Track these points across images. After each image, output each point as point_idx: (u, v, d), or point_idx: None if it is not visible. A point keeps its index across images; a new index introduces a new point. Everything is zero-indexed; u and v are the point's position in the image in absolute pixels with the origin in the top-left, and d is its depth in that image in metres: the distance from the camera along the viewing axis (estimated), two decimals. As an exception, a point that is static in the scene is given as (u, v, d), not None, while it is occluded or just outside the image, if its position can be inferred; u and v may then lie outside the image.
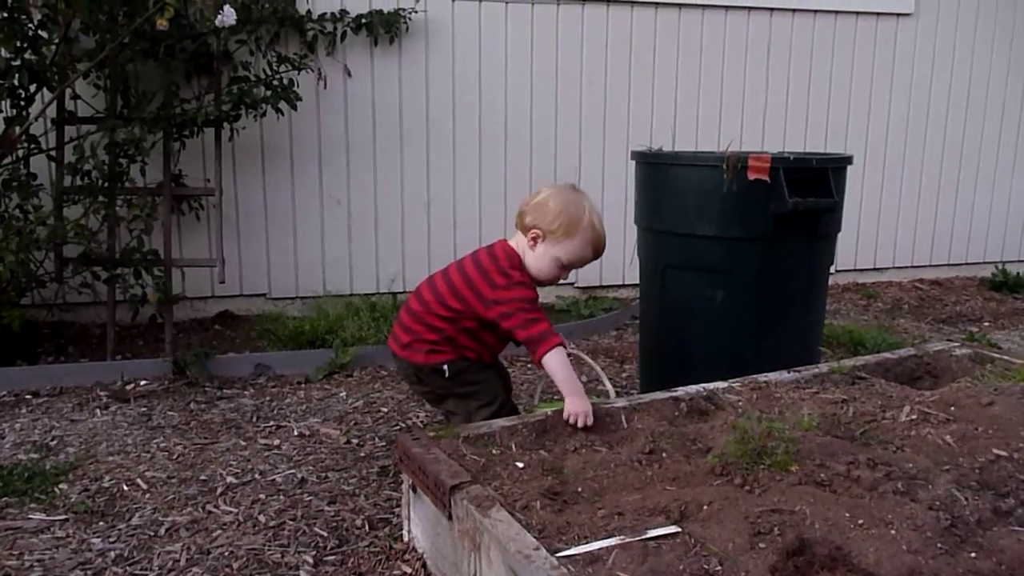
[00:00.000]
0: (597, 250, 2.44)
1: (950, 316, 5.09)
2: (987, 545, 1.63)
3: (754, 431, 1.98)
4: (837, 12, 5.45)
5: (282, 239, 4.60)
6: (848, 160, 3.02)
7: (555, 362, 2.28)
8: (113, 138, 3.70)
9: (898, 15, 5.60)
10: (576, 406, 2.21)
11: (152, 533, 2.32)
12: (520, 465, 2.01)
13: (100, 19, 3.55)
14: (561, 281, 2.58)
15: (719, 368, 2.67)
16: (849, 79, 5.58)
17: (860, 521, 1.66)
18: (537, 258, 2.41)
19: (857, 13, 5.50)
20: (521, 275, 2.39)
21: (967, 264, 6.17)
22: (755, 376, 2.63)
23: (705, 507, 1.74)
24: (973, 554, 1.60)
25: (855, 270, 5.84)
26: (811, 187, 2.82)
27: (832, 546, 1.58)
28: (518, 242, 2.46)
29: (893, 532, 1.62)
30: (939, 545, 1.60)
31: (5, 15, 3.40)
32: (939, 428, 2.18)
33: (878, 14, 5.55)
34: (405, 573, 2.12)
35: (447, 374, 2.44)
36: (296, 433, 3.07)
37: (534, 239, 2.40)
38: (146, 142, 3.77)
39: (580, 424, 2.20)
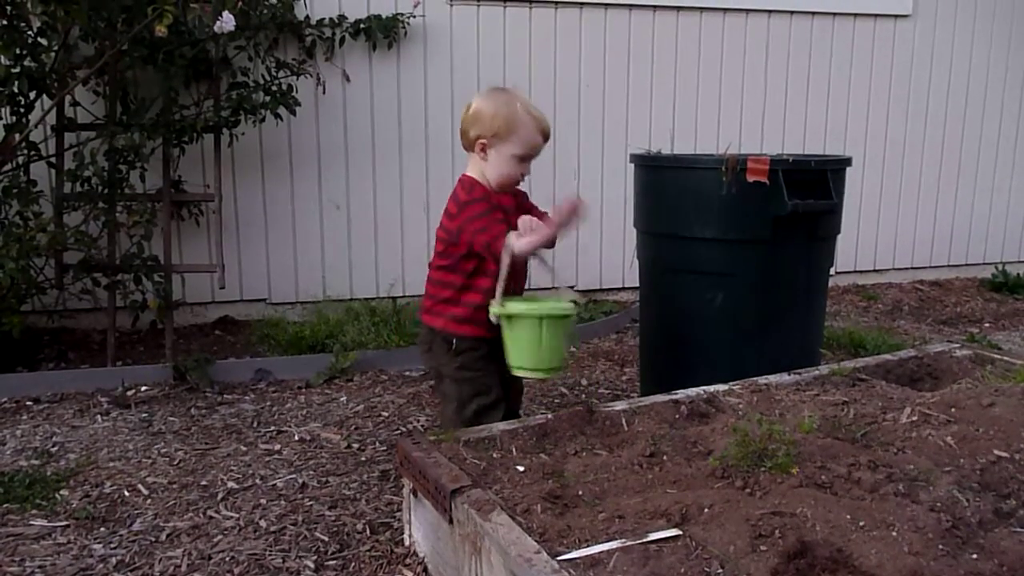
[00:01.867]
0: (544, 132, 2.41)
1: (950, 317, 5.09)
2: (988, 546, 1.62)
3: (755, 434, 1.98)
4: (835, 14, 5.46)
5: (282, 244, 4.60)
6: (847, 162, 3.02)
7: (518, 245, 2.23)
8: (113, 144, 3.71)
9: (896, 16, 5.61)
10: (551, 226, 2.25)
11: (153, 539, 2.32)
12: (520, 469, 2.01)
13: (99, 26, 3.56)
14: (524, 173, 2.46)
15: (719, 371, 2.67)
16: (847, 81, 5.59)
17: (861, 523, 1.66)
18: (494, 164, 2.41)
19: (855, 15, 5.51)
20: (469, 194, 2.39)
21: (967, 265, 6.17)
22: (755, 378, 2.63)
23: (706, 510, 1.74)
24: (975, 555, 1.59)
25: (855, 272, 5.84)
26: (810, 189, 2.82)
27: (833, 548, 1.58)
28: (472, 163, 2.46)
29: (894, 534, 1.62)
30: (940, 547, 1.59)
31: (5, 22, 3.40)
32: (940, 429, 2.18)
33: (876, 16, 5.56)
34: (406, 578, 2.13)
35: (454, 347, 2.42)
36: (297, 438, 3.07)
37: (483, 149, 2.40)
38: (146, 148, 3.78)
39: (578, 214, 2.27)
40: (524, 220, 2.30)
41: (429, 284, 2.49)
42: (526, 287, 2.54)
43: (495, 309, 2.27)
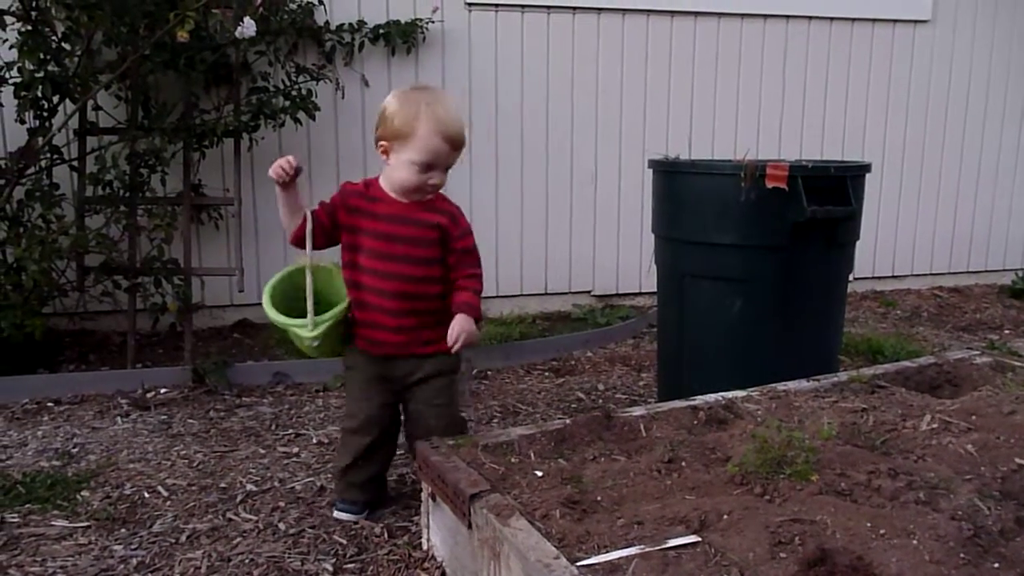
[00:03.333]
0: (449, 137, 2.19)
1: (970, 324, 5.06)
2: (1010, 555, 1.62)
3: (774, 440, 1.98)
4: (854, 19, 5.45)
5: (300, 248, 4.61)
6: (866, 168, 3.01)
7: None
8: (134, 148, 3.74)
9: (915, 22, 5.59)
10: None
11: (173, 540, 2.34)
12: (539, 474, 2.01)
13: (122, 31, 3.59)
14: (432, 183, 2.30)
15: (737, 377, 2.67)
16: (866, 86, 5.57)
17: (881, 531, 1.66)
18: (394, 168, 2.25)
19: (874, 20, 5.49)
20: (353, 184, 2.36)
21: (986, 271, 6.13)
22: (774, 385, 2.63)
23: (725, 516, 1.74)
24: (996, 564, 1.59)
25: (873, 278, 5.81)
26: (829, 195, 2.81)
27: (853, 556, 1.57)
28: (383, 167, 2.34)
29: (915, 542, 1.62)
30: (962, 555, 1.59)
31: (29, 28, 3.45)
32: (960, 437, 2.16)
33: (895, 21, 5.54)
34: (424, 581, 2.13)
35: (343, 357, 2.43)
36: (315, 441, 3.08)
37: (384, 152, 2.25)
38: (166, 152, 3.81)
39: (280, 169, 2.23)
40: (458, 321, 2.25)
41: None
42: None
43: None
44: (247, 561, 2.22)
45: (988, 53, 5.81)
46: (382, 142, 2.25)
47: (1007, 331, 4.90)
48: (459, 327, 2.24)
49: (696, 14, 5.12)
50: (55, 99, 3.64)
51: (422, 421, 2.40)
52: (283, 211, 2.33)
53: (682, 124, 5.20)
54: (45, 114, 3.65)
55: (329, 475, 2.77)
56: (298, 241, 2.32)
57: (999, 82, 5.88)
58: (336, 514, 2.44)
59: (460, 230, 2.34)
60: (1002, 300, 5.67)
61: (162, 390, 3.58)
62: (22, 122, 3.65)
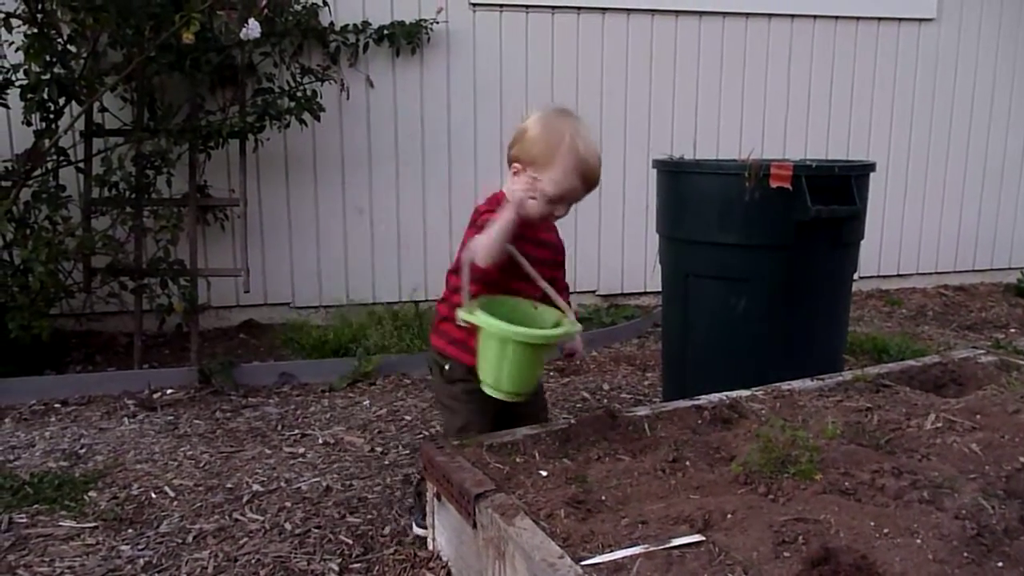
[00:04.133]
0: (586, 179, 2.11)
1: (975, 323, 5.05)
2: (1014, 554, 1.62)
3: (778, 440, 1.98)
4: (859, 18, 5.44)
5: (306, 248, 4.64)
6: (871, 167, 3.01)
7: (475, 243, 2.05)
8: (140, 150, 3.76)
9: (920, 20, 5.58)
10: (510, 211, 2.03)
11: (180, 540, 2.35)
12: (544, 474, 2.02)
13: (127, 33, 3.61)
14: (558, 214, 2.19)
15: (742, 376, 2.67)
16: (871, 85, 5.56)
17: (885, 530, 1.66)
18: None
19: (879, 19, 5.48)
20: (487, 204, 2.18)
21: (992, 270, 6.12)
22: (778, 384, 2.63)
23: (729, 516, 1.74)
24: (1000, 563, 1.59)
25: (878, 276, 5.81)
26: (834, 194, 2.81)
27: (857, 555, 1.58)
28: (509, 180, 2.20)
29: (919, 541, 1.62)
30: (965, 554, 1.59)
31: (35, 30, 3.47)
32: (965, 436, 2.16)
33: (900, 20, 5.54)
34: (430, 581, 2.14)
35: (444, 373, 2.26)
36: (321, 441, 3.09)
37: (515, 173, 2.15)
38: (172, 154, 3.83)
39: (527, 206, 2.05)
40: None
41: (440, 301, 2.32)
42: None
43: (462, 313, 2.04)
44: (253, 561, 2.24)
45: (993, 50, 5.80)
46: (516, 163, 2.15)
47: (1012, 330, 4.89)
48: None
49: (701, 14, 5.12)
50: (61, 101, 3.66)
51: (536, 414, 2.36)
52: (501, 241, 2.05)
53: (687, 124, 5.20)
54: (51, 116, 3.66)
55: (335, 475, 2.78)
56: (489, 271, 2.11)
57: (1004, 79, 5.86)
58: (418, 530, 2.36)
59: (561, 244, 2.34)
60: (1008, 299, 5.66)
61: (168, 391, 3.60)
62: (28, 124, 3.67)
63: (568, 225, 5.20)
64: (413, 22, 4.55)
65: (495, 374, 2.07)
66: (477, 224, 2.14)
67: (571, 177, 2.09)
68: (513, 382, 2.08)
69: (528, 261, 2.13)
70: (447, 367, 2.26)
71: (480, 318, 2.02)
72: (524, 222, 2.11)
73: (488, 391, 2.10)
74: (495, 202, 2.18)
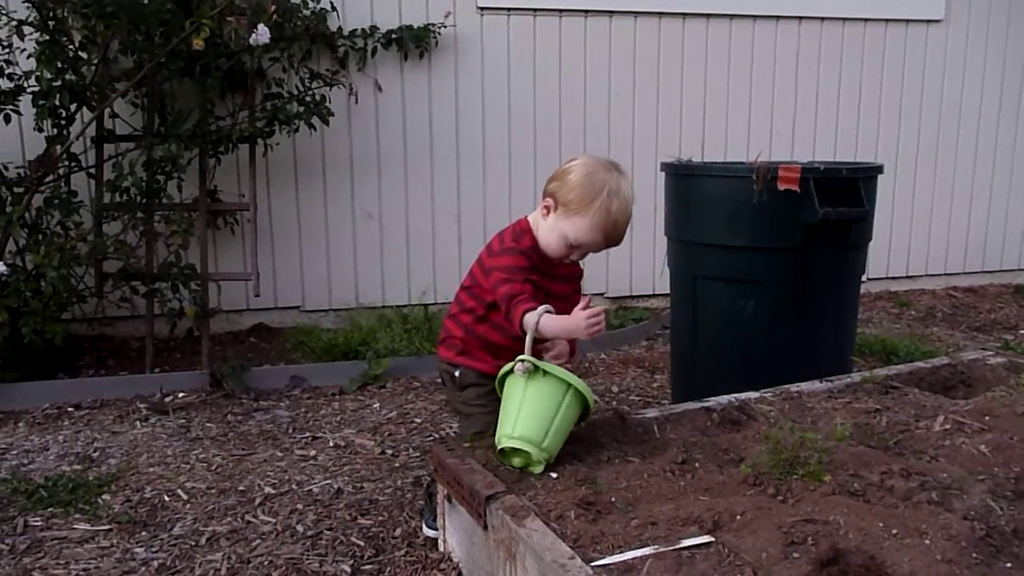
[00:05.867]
0: (608, 237, 2.18)
1: (984, 324, 5.04)
2: (1023, 555, 1.62)
3: (787, 441, 1.99)
4: (866, 20, 5.43)
5: (315, 252, 4.66)
6: (879, 169, 3.02)
7: (534, 322, 2.05)
8: (151, 155, 3.78)
9: (928, 22, 5.57)
10: (577, 332, 2.07)
11: (193, 543, 2.37)
12: (553, 475, 2.03)
13: (138, 40, 3.64)
14: (573, 258, 2.24)
15: (750, 378, 2.68)
16: (879, 87, 5.55)
17: (894, 531, 1.67)
18: (547, 229, 2.20)
19: (887, 21, 5.48)
20: (517, 243, 2.20)
21: (1001, 271, 6.10)
22: (787, 386, 2.64)
23: (738, 517, 1.75)
24: (1009, 564, 1.60)
25: (887, 278, 5.80)
26: (842, 196, 2.82)
27: (866, 556, 1.59)
28: (537, 213, 2.25)
29: (927, 542, 1.63)
30: (974, 555, 1.60)
31: (47, 37, 3.49)
32: (973, 438, 2.17)
33: (908, 21, 5.53)
34: (441, 582, 2.16)
35: (456, 380, 2.31)
36: (331, 444, 3.11)
37: (546, 208, 2.20)
38: (182, 159, 3.85)
39: (597, 328, 2.05)
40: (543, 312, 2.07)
41: (448, 319, 2.35)
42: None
43: (525, 357, 2.06)
44: (266, 563, 2.25)
45: (1002, 52, 5.78)
46: (549, 199, 2.20)
47: (1022, 331, 4.88)
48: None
49: (708, 16, 5.12)
50: (73, 107, 3.68)
51: None
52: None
53: (695, 126, 5.20)
54: (63, 122, 3.69)
55: (346, 478, 2.79)
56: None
57: (1013, 80, 5.85)
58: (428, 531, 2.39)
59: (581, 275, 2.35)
60: (1017, 300, 5.65)
61: (180, 394, 3.62)
62: (40, 130, 3.70)
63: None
64: (421, 26, 4.56)
65: (539, 426, 2.02)
66: (502, 264, 2.17)
67: (595, 233, 2.15)
68: (553, 440, 2.04)
69: (552, 296, 2.18)
70: (457, 374, 2.30)
71: (549, 365, 2.06)
72: (544, 260, 2.21)
73: (516, 444, 2.02)
74: (523, 236, 2.21)
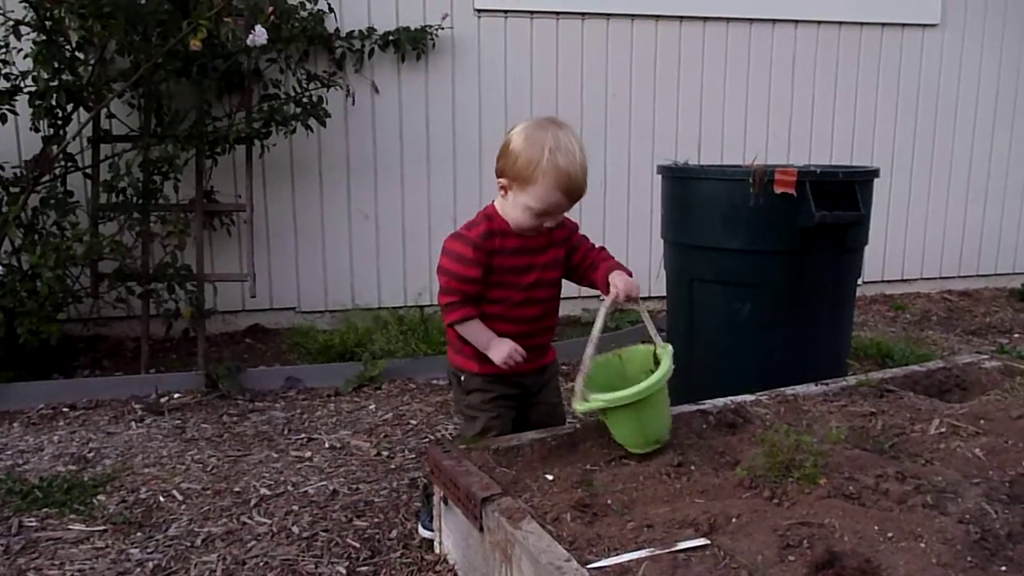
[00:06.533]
0: (569, 191, 2.09)
1: (979, 328, 5.05)
2: (1017, 559, 1.63)
3: (782, 444, 1.99)
4: (863, 24, 5.45)
5: (311, 253, 4.66)
6: (875, 173, 3.03)
7: (461, 331, 2.17)
8: (147, 156, 3.78)
9: (924, 26, 5.58)
10: (498, 356, 2.13)
11: (189, 544, 2.37)
12: (550, 478, 2.03)
13: (135, 40, 3.64)
14: (548, 225, 2.18)
15: (746, 381, 2.68)
16: (875, 91, 5.57)
17: (889, 534, 1.67)
18: (511, 207, 2.16)
19: (883, 25, 5.49)
20: (468, 231, 2.20)
21: (996, 275, 6.11)
22: (783, 389, 2.64)
23: (734, 520, 1.75)
24: (1003, 568, 1.60)
25: (883, 281, 5.81)
26: (838, 200, 2.83)
27: (861, 559, 1.59)
28: (499, 199, 2.23)
29: (923, 545, 1.63)
30: (969, 559, 1.60)
31: (44, 37, 3.49)
32: (968, 441, 2.18)
33: (904, 25, 5.54)
34: (436, 584, 2.16)
35: (461, 384, 2.31)
36: (327, 445, 3.11)
37: (502, 187, 2.16)
38: (179, 159, 3.84)
39: (514, 362, 2.13)
40: (615, 278, 2.18)
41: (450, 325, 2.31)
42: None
43: (580, 407, 2.10)
44: (261, 564, 2.25)
45: (997, 57, 5.80)
46: (502, 179, 2.16)
47: (1017, 335, 4.89)
48: (623, 284, 2.22)
49: (705, 19, 5.13)
50: (69, 107, 3.68)
51: (550, 422, 2.37)
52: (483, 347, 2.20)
53: (691, 129, 5.21)
54: (59, 122, 3.69)
55: (341, 479, 2.79)
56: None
57: (1008, 85, 5.86)
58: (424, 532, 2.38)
59: (571, 225, 2.31)
60: (1012, 304, 5.66)
61: (175, 395, 3.61)
62: (37, 130, 3.70)
63: (573, 230, 5.15)
64: (418, 28, 4.57)
65: (637, 437, 2.15)
66: (444, 263, 2.19)
67: (553, 193, 2.09)
68: (658, 429, 2.17)
69: (541, 284, 2.23)
70: (463, 378, 2.31)
71: (601, 401, 2.08)
72: (523, 242, 2.20)
73: (639, 451, 2.15)
74: (475, 227, 2.20)
